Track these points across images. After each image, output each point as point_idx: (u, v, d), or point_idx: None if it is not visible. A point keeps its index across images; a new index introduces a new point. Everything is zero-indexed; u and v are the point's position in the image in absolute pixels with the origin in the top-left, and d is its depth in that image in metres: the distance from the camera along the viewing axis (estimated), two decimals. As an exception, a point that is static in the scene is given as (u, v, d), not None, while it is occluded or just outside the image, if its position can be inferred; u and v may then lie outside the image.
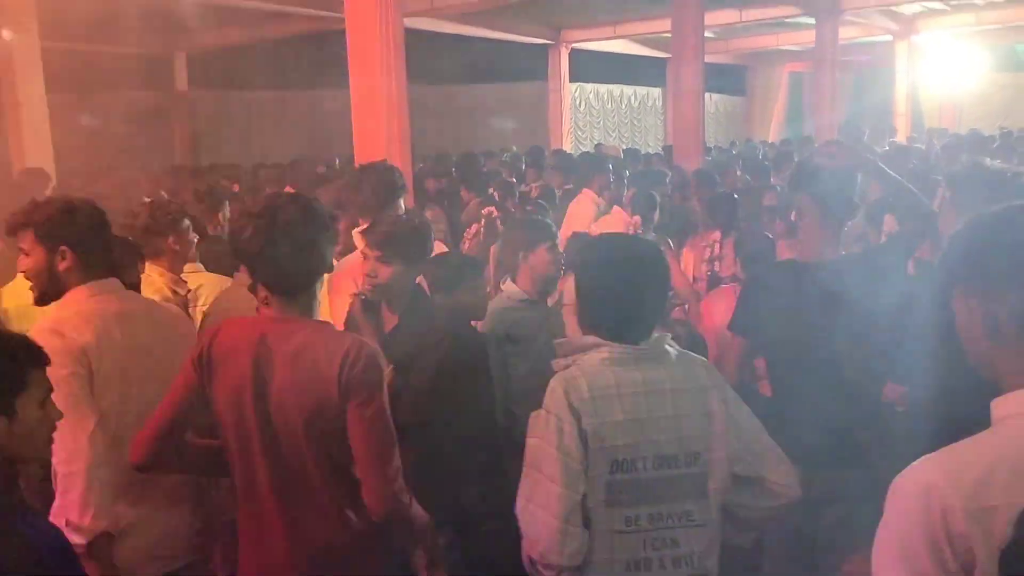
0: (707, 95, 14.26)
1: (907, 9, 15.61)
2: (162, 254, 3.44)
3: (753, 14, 14.48)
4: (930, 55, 19.11)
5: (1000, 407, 1.27)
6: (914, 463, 1.27)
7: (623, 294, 2.04)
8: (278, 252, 2.05)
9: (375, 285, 2.84)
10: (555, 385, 1.98)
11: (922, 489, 1.22)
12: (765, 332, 2.84)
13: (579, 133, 18.72)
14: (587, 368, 1.99)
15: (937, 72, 19.37)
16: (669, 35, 10.32)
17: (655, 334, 2.08)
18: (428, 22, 12.92)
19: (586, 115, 19.55)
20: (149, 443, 2.13)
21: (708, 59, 11.20)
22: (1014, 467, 1.19)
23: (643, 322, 2.07)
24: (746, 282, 3.04)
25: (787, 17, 14.95)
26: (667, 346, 2.09)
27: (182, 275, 3.52)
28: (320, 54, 14.91)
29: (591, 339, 2.05)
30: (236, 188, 8.78)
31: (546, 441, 1.93)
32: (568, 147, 15.54)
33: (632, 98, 21.12)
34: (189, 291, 3.50)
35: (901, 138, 14.28)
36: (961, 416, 1.47)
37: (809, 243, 2.84)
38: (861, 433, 2.73)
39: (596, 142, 17.89)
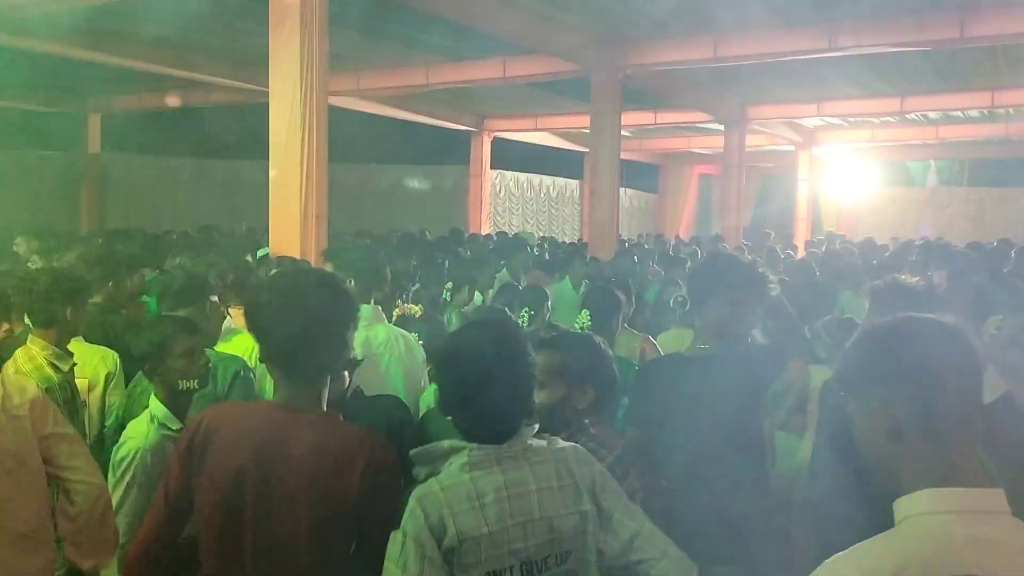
0: (622, 190, 14.77)
1: (808, 122, 16.65)
2: (54, 324, 3.25)
3: (667, 117, 15.20)
4: (830, 166, 20.36)
5: (903, 507, 1.32)
6: (826, 562, 1.30)
7: (479, 390, 1.86)
8: (306, 337, 1.89)
9: None
10: (413, 504, 1.82)
11: None
12: (656, 425, 2.86)
13: (498, 219, 19.01)
14: (446, 479, 1.84)
15: (836, 182, 20.63)
16: (588, 131, 10.69)
17: (524, 430, 1.93)
18: (353, 101, 13.06)
19: (506, 201, 19.91)
20: (140, 559, 1.96)
21: (624, 156, 11.62)
22: (924, 564, 1.23)
23: (504, 420, 1.90)
24: (637, 375, 3.08)
25: (698, 122, 15.74)
26: (532, 441, 1.94)
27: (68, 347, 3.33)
28: (241, 124, 14.87)
29: (447, 442, 1.90)
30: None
31: (406, 570, 1.76)
32: (487, 232, 15.75)
33: (551, 188, 21.66)
34: (75, 364, 3.31)
35: (800, 241, 15.02)
36: (850, 516, 1.51)
37: (700, 336, 2.93)
38: (746, 529, 2.74)
39: (515, 229, 18.21)
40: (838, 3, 8.03)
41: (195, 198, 17.87)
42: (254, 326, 1.97)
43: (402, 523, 1.81)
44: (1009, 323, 2.72)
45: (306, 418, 1.93)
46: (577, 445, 2.02)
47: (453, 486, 1.82)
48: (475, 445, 1.87)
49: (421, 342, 3.82)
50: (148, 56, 10.32)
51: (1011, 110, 14.03)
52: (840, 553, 1.30)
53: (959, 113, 14.54)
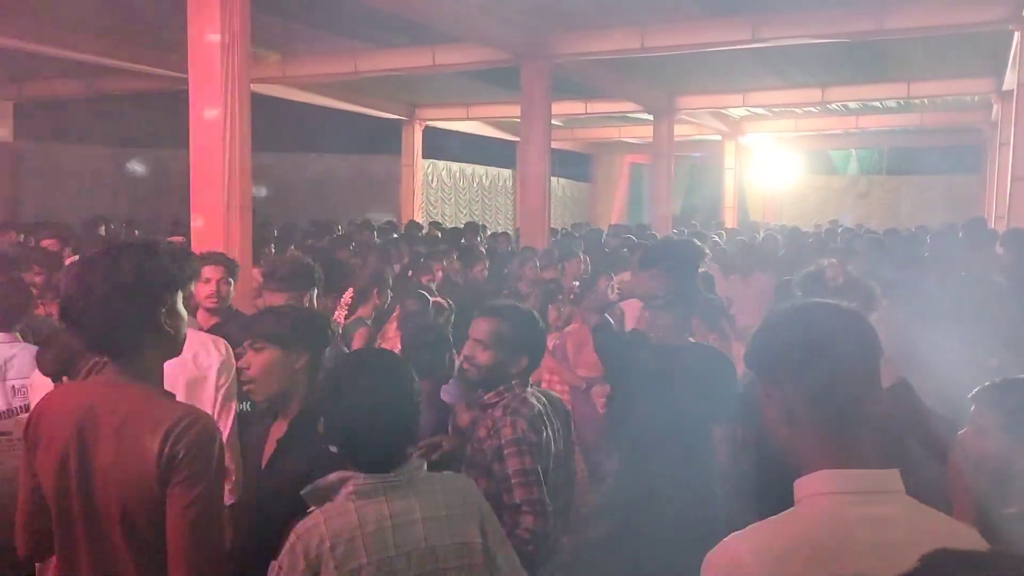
0: (554, 179, 14.85)
1: (734, 112, 16.98)
2: None
3: (597, 107, 15.31)
4: (755, 155, 20.83)
5: (800, 488, 1.35)
6: (725, 539, 1.33)
7: (364, 421, 1.90)
8: (96, 306, 1.80)
9: (248, 380, 2.46)
10: (293, 538, 1.80)
11: (729, 564, 1.28)
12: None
13: (431, 209, 18.88)
14: (330, 511, 1.83)
15: (761, 171, 21.12)
16: (519, 120, 10.70)
17: (412, 459, 1.96)
18: (279, 89, 12.79)
19: (438, 191, 19.78)
20: (23, 533, 1.95)
21: (555, 146, 11.68)
22: (815, 544, 1.26)
23: (390, 446, 1.92)
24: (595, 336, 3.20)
25: (628, 112, 15.90)
26: (421, 470, 1.96)
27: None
28: (164, 111, 14.38)
29: (336, 475, 1.88)
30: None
31: None
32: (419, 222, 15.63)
33: (484, 177, 21.60)
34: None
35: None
36: (770, 496, 1.55)
37: (657, 326, 3.04)
38: (689, 513, 2.79)
39: (447, 219, 18.10)
40: (760, -5, 8.21)
41: (116, 189, 17.25)
42: (61, 307, 1.90)
43: (279, 557, 1.79)
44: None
45: (125, 389, 1.85)
46: (466, 477, 2.12)
47: (337, 516, 1.82)
48: (362, 475, 1.87)
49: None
50: (62, 41, 9.90)
51: (926, 100, 14.56)
52: (738, 531, 1.33)
53: (877, 103, 15.02)
